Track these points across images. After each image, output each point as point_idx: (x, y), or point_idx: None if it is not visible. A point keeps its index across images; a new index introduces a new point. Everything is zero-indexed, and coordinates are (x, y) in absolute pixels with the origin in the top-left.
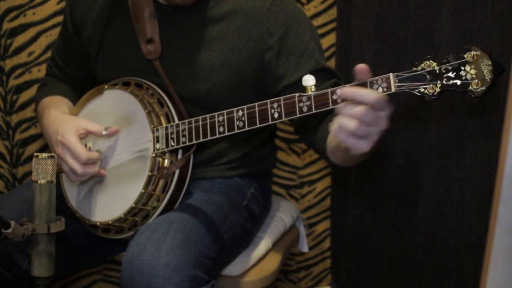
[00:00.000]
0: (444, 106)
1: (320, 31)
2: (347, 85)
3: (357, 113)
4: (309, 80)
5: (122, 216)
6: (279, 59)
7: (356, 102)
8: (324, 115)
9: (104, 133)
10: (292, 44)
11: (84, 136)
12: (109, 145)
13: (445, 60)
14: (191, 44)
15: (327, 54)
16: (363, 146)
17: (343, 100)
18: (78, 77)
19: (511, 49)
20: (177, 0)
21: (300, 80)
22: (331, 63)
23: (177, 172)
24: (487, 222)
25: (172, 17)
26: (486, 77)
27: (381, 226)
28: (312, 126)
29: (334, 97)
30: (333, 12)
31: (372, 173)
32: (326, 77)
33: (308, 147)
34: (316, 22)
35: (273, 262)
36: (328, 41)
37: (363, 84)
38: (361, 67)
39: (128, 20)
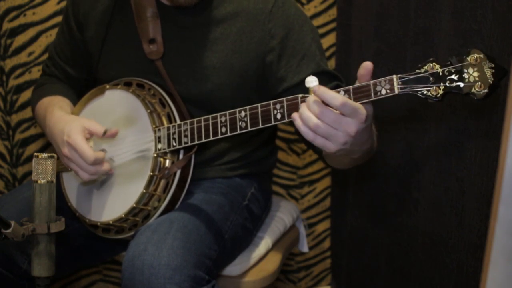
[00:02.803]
0: (444, 106)
1: (320, 31)
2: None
3: (317, 111)
4: (312, 81)
5: (123, 216)
6: (280, 61)
7: (323, 101)
8: None
9: (103, 135)
10: (293, 46)
11: (90, 136)
12: (110, 145)
13: (448, 63)
14: (193, 45)
15: (327, 54)
16: (330, 147)
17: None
18: (77, 77)
19: (511, 49)
20: (180, 0)
21: (301, 82)
22: (331, 63)
23: (178, 172)
24: (487, 222)
25: (175, 17)
26: (489, 80)
27: (381, 226)
28: None
29: None
30: (333, 12)
31: (372, 173)
32: (327, 80)
33: (308, 148)
34: (316, 22)
35: (273, 262)
36: (328, 41)
37: (366, 86)
38: (367, 65)
39: (131, 19)
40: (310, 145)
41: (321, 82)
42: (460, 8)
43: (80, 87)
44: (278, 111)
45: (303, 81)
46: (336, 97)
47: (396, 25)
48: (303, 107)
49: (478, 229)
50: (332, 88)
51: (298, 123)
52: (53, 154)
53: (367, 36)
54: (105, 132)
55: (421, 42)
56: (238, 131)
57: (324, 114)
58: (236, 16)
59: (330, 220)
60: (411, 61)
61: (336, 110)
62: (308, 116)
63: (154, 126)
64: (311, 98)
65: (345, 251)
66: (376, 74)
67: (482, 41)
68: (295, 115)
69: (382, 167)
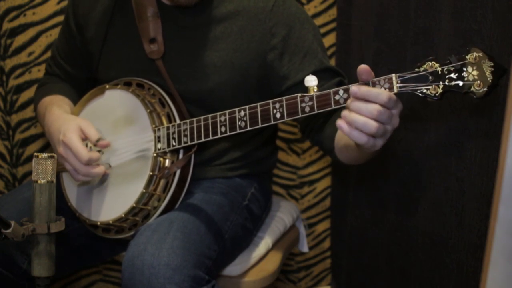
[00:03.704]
0: (444, 106)
1: (320, 31)
2: (352, 84)
3: (374, 112)
4: (311, 81)
5: (123, 216)
6: (282, 59)
7: (369, 101)
8: (329, 115)
9: (95, 142)
10: (295, 44)
11: (84, 138)
12: (110, 145)
13: (447, 61)
14: (194, 44)
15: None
16: (378, 144)
17: (346, 100)
18: (79, 77)
19: (511, 49)
20: (180, 0)
21: (304, 80)
22: (331, 63)
23: (178, 172)
24: (487, 222)
25: (175, 17)
26: (488, 78)
27: (381, 226)
28: (318, 126)
29: (336, 97)
30: (333, 12)
31: (372, 173)
32: (330, 76)
33: (314, 145)
34: (316, 22)
35: (273, 262)
36: (328, 41)
37: (366, 85)
38: (364, 67)
39: (131, 19)
40: (318, 143)
41: (324, 79)
42: (460, 8)
43: (82, 87)
44: (278, 110)
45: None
46: (382, 92)
47: (396, 25)
48: (351, 114)
49: (478, 229)
50: (335, 85)
51: (347, 129)
52: (53, 154)
53: (367, 36)
54: (98, 140)
55: (421, 42)
56: (238, 131)
57: (382, 114)
58: (237, 15)
59: (330, 220)
60: (411, 61)
61: (378, 105)
62: (365, 122)
63: (153, 125)
64: (357, 103)
65: (345, 251)
66: (376, 74)
67: (482, 41)
68: (340, 123)
69: (382, 167)
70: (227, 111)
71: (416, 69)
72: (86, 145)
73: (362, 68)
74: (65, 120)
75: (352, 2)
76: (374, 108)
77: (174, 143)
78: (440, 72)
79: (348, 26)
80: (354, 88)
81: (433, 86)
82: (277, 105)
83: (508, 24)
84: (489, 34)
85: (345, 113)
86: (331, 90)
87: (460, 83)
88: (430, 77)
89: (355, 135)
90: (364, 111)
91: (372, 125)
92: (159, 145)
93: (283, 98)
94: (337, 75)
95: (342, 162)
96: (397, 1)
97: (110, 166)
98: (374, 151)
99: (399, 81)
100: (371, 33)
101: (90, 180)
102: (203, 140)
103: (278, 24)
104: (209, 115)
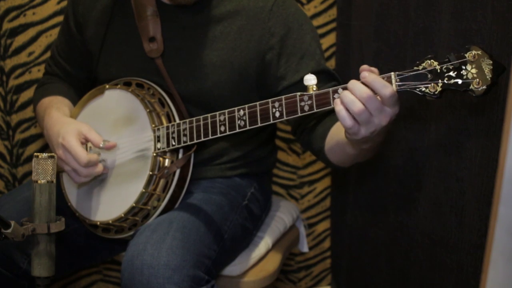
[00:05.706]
0: (444, 106)
1: (320, 31)
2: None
3: (364, 95)
4: (310, 79)
5: (123, 215)
6: (280, 60)
7: (371, 88)
8: (322, 116)
9: (101, 145)
10: (293, 45)
11: (84, 142)
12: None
13: (446, 60)
14: (193, 43)
15: (327, 54)
16: (361, 133)
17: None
18: (79, 76)
19: (511, 49)
20: None
21: (300, 81)
22: (331, 63)
23: (177, 171)
24: (487, 222)
25: (175, 16)
26: (487, 77)
27: (381, 226)
28: (310, 127)
29: (336, 96)
30: (333, 12)
31: (372, 173)
32: (326, 79)
33: (304, 148)
34: (316, 22)
35: (273, 262)
36: (328, 41)
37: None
38: (365, 68)
39: (131, 18)
40: (308, 145)
41: (320, 82)
42: (460, 8)
43: (81, 86)
44: (277, 109)
45: (302, 79)
46: (388, 85)
47: (396, 25)
48: (346, 92)
49: (478, 229)
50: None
51: (339, 107)
52: (53, 154)
53: (367, 36)
54: (103, 143)
55: (421, 42)
56: (237, 130)
57: (371, 100)
58: (236, 15)
59: (330, 220)
60: (411, 61)
61: (379, 97)
62: (352, 100)
63: (153, 125)
64: (354, 82)
65: (345, 251)
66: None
67: (482, 41)
68: (337, 100)
69: (382, 167)
70: (226, 110)
71: (415, 68)
72: (86, 147)
73: (363, 68)
74: (63, 123)
75: (352, 2)
76: (366, 91)
77: (173, 143)
78: (439, 70)
79: (348, 26)
80: (365, 72)
81: (432, 84)
82: (276, 104)
83: (508, 24)
84: (489, 34)
85: (341, 91)
86: (330, 89)
87: (459, 81)
88: (429, 76)
89: (343, 115)
90: (356, 91)
91: (357, 105)
92: (158, 145)
93: (282, 97)
94: (333, 78)
95: (331, 163)
96: (397, 1)
97: (106, 162)
98: (363, 149)
99: (398, 80)
100: (371, 33)
101: (89, 180)
102: (202, 139)
103: (277, 24)
104: (209, 115)
